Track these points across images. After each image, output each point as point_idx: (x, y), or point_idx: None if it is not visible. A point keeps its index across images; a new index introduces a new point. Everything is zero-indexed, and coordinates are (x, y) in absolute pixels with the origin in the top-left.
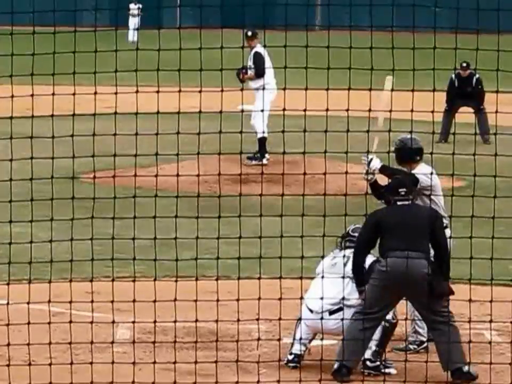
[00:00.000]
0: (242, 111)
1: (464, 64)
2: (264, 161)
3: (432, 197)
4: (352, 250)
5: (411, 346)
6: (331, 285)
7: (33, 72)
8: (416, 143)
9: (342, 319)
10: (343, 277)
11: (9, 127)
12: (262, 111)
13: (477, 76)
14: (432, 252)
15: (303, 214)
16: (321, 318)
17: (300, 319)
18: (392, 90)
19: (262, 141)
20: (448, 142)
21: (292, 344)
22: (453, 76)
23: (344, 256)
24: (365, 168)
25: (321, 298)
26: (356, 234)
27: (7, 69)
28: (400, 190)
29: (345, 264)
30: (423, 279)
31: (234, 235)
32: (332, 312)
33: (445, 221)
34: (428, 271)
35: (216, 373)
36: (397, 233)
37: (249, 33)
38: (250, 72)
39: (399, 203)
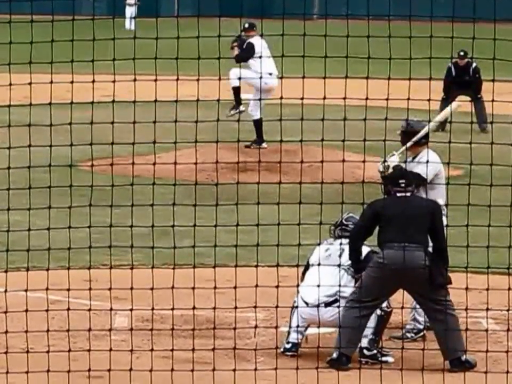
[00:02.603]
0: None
1: (462, 53)
2: (264, 144)
3: (435, 184)
4: (347, 240)
5: (408, 335)
6: (326, 276)
7: (31, 61)
8: (422, 126)
9: (339, 307)
10: (339, 265)
11: (7, 115)
12: (260, 99)
13: (474, 64)
14: (430, 243)
15: (300, 202)
16: (318, 306)
17: (294, 306)
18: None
19: (258, 123)
20: (445, 130)
21: (288, 332)
22: (450, 64)
23: (341, 243)
24: (382, 161)
25: (318, 286)
26: (349, 223)
27: (5, 57)
28: (400, 181)
29: (340, 255)
30: (422, 271)
31: (231, 223)
32: (327, 304)
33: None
34: (426, 262)
35: (214, 360)
36: (395, 224)
37: (246, 25)
38: (236, 52)
39: (398, 194)
